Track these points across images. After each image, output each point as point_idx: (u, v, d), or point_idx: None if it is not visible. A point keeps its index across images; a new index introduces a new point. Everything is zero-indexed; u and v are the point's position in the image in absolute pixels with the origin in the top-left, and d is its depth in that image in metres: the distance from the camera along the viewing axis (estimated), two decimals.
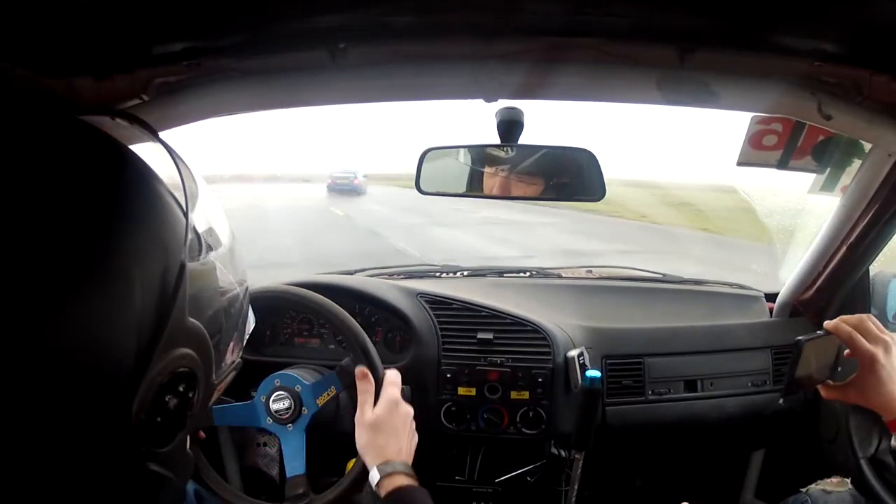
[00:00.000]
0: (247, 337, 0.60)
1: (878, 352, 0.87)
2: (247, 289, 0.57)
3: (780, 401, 1.01)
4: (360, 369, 1.00)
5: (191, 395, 0.47)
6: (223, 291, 0.51)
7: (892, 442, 0.91)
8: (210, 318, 0.48)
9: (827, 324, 0.90)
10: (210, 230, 0.51)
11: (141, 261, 0.42)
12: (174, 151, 0.50)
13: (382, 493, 0.88)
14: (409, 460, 0.95)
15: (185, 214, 0.46)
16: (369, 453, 0.93)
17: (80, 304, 0.39)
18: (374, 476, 0.90)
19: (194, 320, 0.45)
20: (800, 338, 0.88)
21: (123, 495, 0.46)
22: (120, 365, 0.41)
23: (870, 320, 0.89)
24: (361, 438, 0.95)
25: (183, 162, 0.49)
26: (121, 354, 0.41)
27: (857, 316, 0.90)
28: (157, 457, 0.46)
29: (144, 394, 0.42)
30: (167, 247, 0.43)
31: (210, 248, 0.50)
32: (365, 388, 0.98)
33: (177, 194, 0.47)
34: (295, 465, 1.07)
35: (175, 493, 0.52)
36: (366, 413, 0.96)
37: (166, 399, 0.44)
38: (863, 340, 0.88)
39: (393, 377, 1.01)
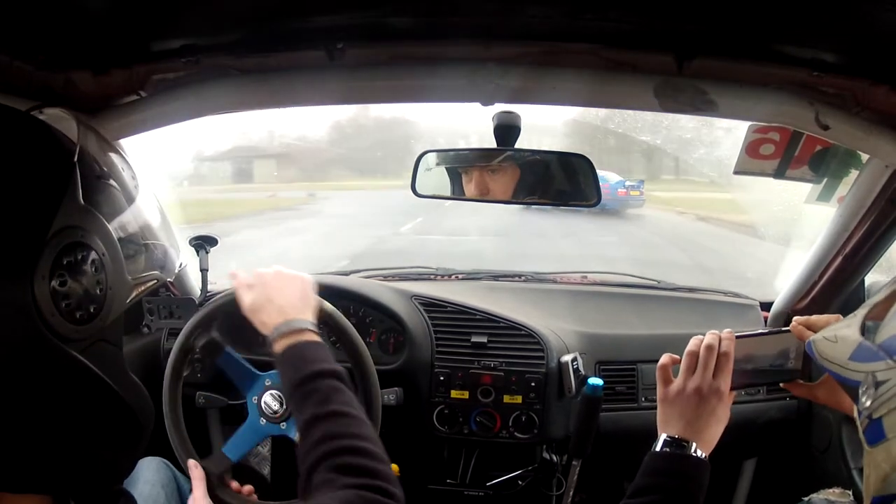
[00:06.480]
0: (177, 268, 0.65)
1: None
2: (164, 220, 0.64)
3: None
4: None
5: (94, 269, 0.50)
6: (128, 202, 0.58)
7: None
8: (107, 208, 0.54)
9: (796, 320, 0.84)
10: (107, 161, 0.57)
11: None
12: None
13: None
14: (302, 314, 0.89)
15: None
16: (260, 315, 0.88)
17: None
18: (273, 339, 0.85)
19: (87, 205, 0.51)
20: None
21: (47, 382, 0.48)
22: (22, 237, 0.46)
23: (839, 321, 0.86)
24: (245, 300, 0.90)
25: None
26: (20, 232, 0.46)
27: (825, 316, 0.84)
28: (75, 340, 0.49)
29: (44, 261, 0.46)
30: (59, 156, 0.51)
31: (109, 176, 0.56)
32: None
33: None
34: (236, 450, 1.10)
35: (103, 395, 0.53)
36: None
37: (64, 262, 0.48)
38: None
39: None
